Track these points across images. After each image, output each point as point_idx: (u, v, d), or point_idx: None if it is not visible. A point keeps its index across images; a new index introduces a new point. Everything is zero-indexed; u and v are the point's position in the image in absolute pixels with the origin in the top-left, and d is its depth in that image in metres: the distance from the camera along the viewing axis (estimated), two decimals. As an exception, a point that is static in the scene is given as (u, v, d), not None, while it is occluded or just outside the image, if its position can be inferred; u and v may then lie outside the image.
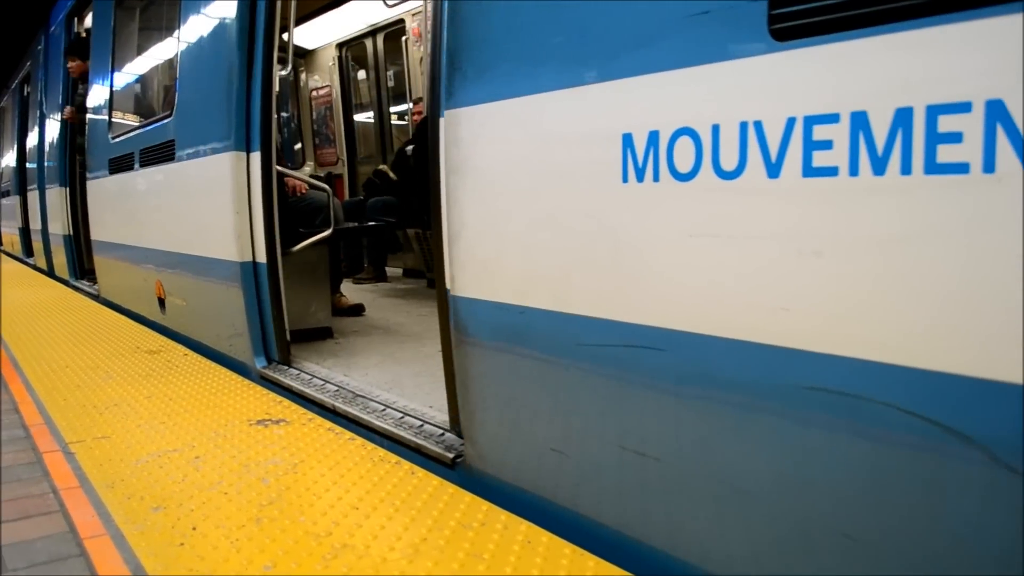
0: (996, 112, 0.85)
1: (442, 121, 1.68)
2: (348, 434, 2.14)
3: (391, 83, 6.35)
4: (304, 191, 3.63)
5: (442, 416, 2.11)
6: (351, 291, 4.89)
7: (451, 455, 1.84)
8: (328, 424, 2.23)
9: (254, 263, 2.79)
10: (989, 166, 0.86)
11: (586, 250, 1.38)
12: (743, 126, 1.10)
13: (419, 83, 5.74)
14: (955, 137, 0.89)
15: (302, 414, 2.34)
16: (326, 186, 3.52)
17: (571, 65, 1.37)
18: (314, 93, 6.92)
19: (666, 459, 1.30)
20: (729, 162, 1.12)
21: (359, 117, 6.66)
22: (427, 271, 5.51)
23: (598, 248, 1.35)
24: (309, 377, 2.66)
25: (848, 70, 0.99)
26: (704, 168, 1.16)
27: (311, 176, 6.64)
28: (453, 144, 1.65)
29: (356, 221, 5.47)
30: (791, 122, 1.05)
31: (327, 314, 3.49)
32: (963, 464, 0.92)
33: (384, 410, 2.23)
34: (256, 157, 2.69)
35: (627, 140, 1.27)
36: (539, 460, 1.58)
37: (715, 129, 1.14)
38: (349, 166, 6.60)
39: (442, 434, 1.98)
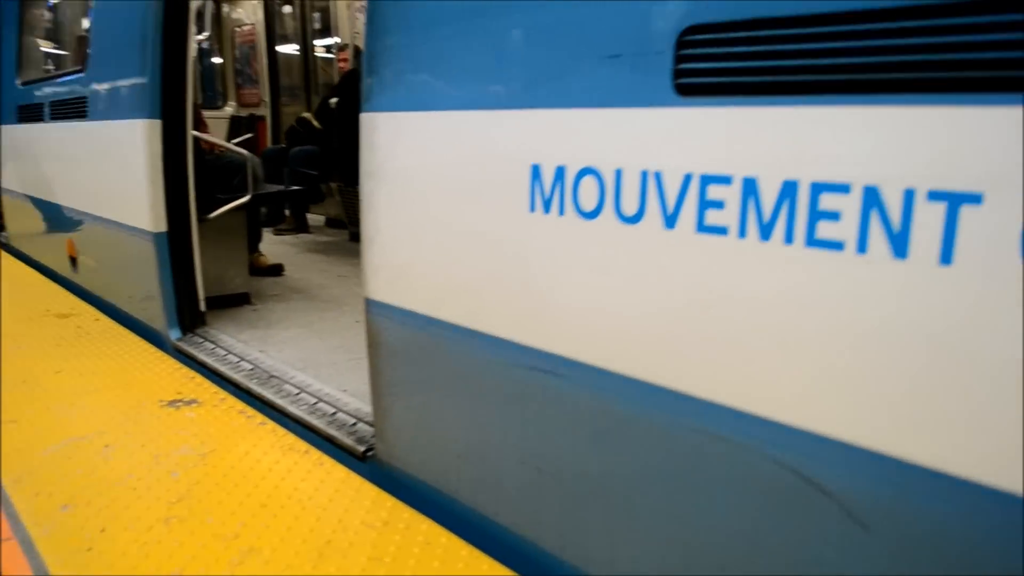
0: (872, 197, 0.90)
1: (362, 120, 1.66)
2: (260, 417, 2.15)
3: (317, 24, 6.18)
4: (222, 150, 3.54)
5: (356, 403, 2.14)
6: (272, 242, 4.82)
7: (362, 448, 1.88)
8: (240, 406, 2.23)
9: (168, 232, 2.74)
10: (862, 247, 0.91)
11: (497, 272, 1.40)
12: (644, 174, 1.13)
13: (345, 21, 5.62)
14: (834, 215, 0.94)
15: (214, 393, 2.33)
16: (244, 151, 3.43)
17: (487, 88, 1.37)
18: (237, 30, 6.68)
19: (561, 477, 1.35)
20: (630, 207, 1.15)
21: (284, 49, 6.46)
22: (348, 223, 5.45)
23: (508, 271, 1.38)
24: (224, 353, 2.65)
25: (744, 135, 1.02)
26: (607, 209, 1.19)
27: (232, 117, 6.48)
28: (369, 148, 1.64)
29: (278, 171, 5.37)
30: (688, 177, 1.08)
31: (245, 279, 3.44)
32: (817, 510, 1.00)
33: (298, 394, 2.24)
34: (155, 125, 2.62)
35: (535, 171, 1.29)
36: (444, 463, 1.62)
37: (618, 173, 1.17)
38: (273, 109, 6.42)
39: (354, 424, 2.01)
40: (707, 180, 1.06)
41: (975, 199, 0.82)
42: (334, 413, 2.09)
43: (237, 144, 3.80)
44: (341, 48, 5.43)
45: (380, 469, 1.81)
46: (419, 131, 1.52)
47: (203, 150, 3.34)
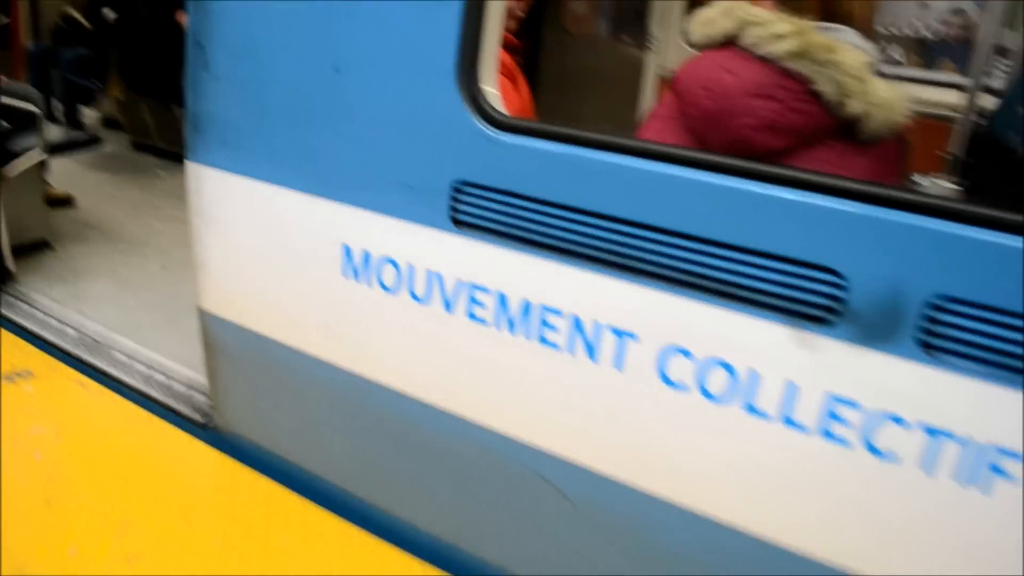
0: (577, 322, 1.45)
1: (188, 167, 1.97)
2: (96, 387, 2.46)
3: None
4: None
5: (186, 372, 2.51)
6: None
7: (200, 417, 2.28)
8: (75, 375, 2.51)
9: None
10: (571, 349, 1.48)
11: (318, 313, 1.84)
12: (429, 273, 1.62)
13: None
14: (553, 327, 1.49)
15: (45, 362, 2.58)
16: (32, 107, 3.44)
17: (307, 176, 1.75)
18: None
19: (372, 454, 1.89)
20: (420, 292, 1.64)
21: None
22: (132, 132, 5.39)
23: (328, 314, 1.83)
24: (43, 315, 2.87)
25: (496, 262, 1.53)
26: (403, 289, 1.67)
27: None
28: (196, 192, 1.96)
29: (45, 74, 5.19)
30: (460, 283, 1.58)
31: (43, 223, 3.53)
32: (545, 493, 1.60)
33: (130, 362, 2.57)
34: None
35: (347, 249, 1.73)
36: (279, 435, 2.08)
37: (410, 267, 1.64)
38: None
39: (191, 393, 2.40)
40: (473, 286, 1.57)
41: (632, 335, 1.40)
42: (169, 383, 2.46)
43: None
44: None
45: (220, 436, 2.24)
46: (245, 193, 1.87)
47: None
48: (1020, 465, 1.14)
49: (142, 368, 2.55)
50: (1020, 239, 1.08)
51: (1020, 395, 1.12)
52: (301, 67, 1.66)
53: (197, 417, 2.29)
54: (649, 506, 1.47)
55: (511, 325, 1.53)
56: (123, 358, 2.60)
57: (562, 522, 1.60)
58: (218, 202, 1.92)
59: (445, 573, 1.79)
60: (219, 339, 2.09)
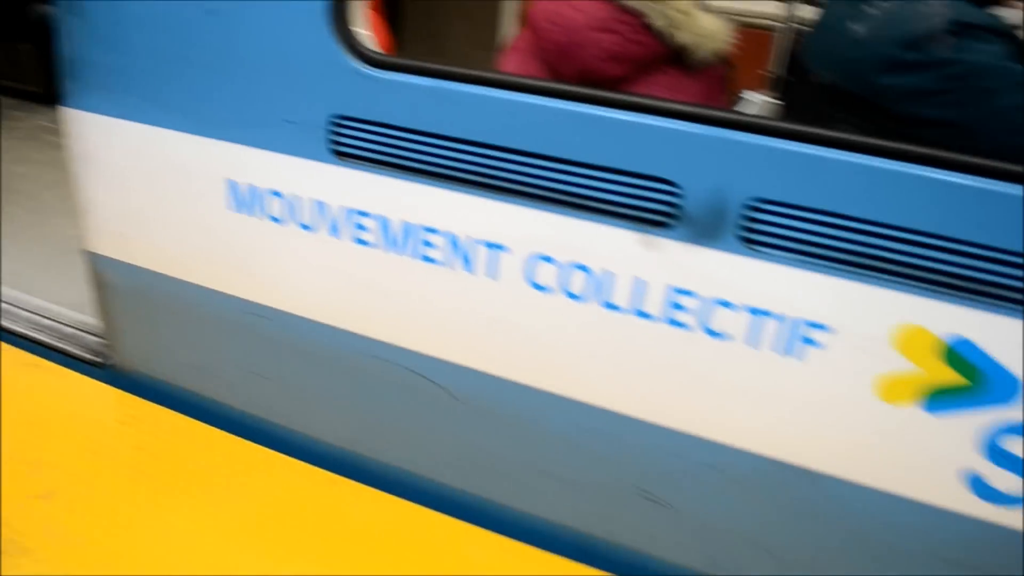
0: (454, 239, 1.62)
1: (65, 113, 1.99)
2: None
3: None
4: None
5: (74, 315, 2.54)
6: None
7: (94, 357, 2.34)
8: (-44, 326, 2.52)
9: None
10: (449, 264, 1.65)
11: (208, 246, 1.93)
12: (314, 202, 1.74)
13: None
14: (431, 244, 1.65)
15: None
16: None
17: (189, 116, 1.81)
18: None
19: (273, 379, 2.02)
20: (307, 221, 1.76)
21: None
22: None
23: (218, 247, 1.92)
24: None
25: (377, 189, 1.67)
26: (290, 219, 1.79)
27: None
28: (77, 137, 1.99)
29: None
30: (344, 210, 1.71)
31: None
32: (434, 392, 1.79)
33: (14, 309, 2.58)
34: None
35: (233, 184, 1.82)
36: (178, 369, 2.19)
37: (296, 198, 1.75)
38: None
39: (81, 335, 2.45)
40: (353, 212, 1.70)
41: (503, 248, 1.57)
42: (57, 326, 2.49)
43: None
44: None
45: (117, 374, 2.32)
46: (128, 137, 1.91)
47: None
48: (826, 334, 1.39)
49: (26, 314, 2.56)
50: (817, 148, 1.30)
51: (821, 276, 1.35)
52: (175, 10, 1.72)
53: (91, 357, 2.35)
54: (527, 397, 1.67)
55: (394, 245, 1.68)
56: (7, 306, 2.60)
57: (452, 419, 1.79)
58: (101, 147, 1.96)
59: (347, 479, 1.96)
60: (110, 279, 2.15)
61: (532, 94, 1.46)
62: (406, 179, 1.61)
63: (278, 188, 1.76)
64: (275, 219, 1.80)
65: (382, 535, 1.83)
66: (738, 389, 1.49)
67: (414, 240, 1.65)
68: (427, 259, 1.65)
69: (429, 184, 1.59)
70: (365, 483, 1.94)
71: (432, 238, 1.63)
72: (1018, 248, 1.25)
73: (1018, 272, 1.26)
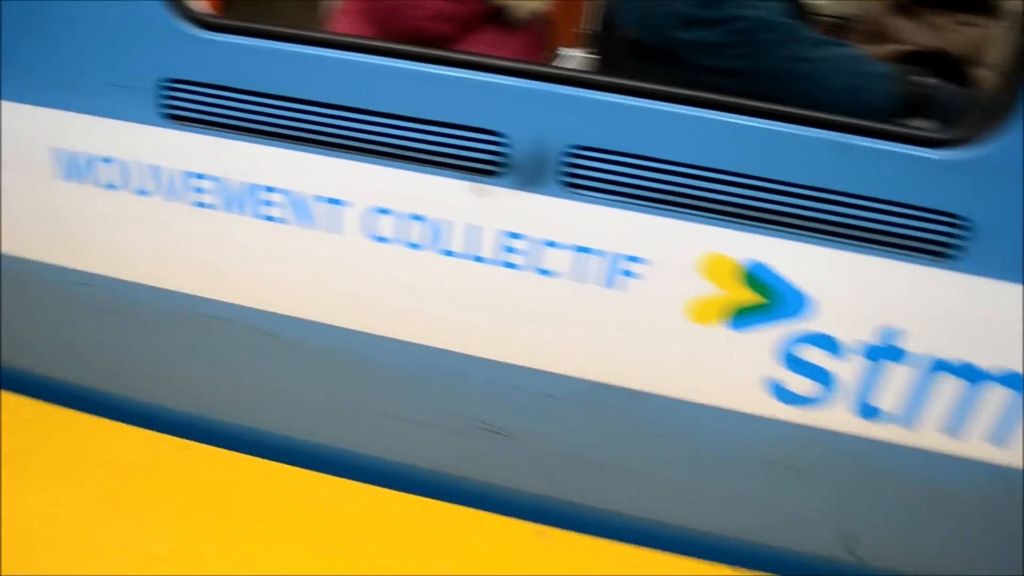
0: (295, 197, 1.67)
1: None
2: None
3: None
4: None
5: None
6: None
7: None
8: None
9: None
10: (286, 221, 1.69)
11: (39, 218, 1.88)
12: (148, 167, 1.73)
13: None
14: (270, 203, 1.69)
15: None
16: None
17: (10, 82, 1.74)
18: None
19: (118, 350, 2.00)
20: (142, 186, 1.76)
21: None
22: None
23: (48, 219, 1.87)
24: None
25: (213, 151, 1.68)
26: (125, 185, 1.77)
27: None
28: None
29: None
30: (179, 173, 1.72)
31: None
32: (278, 347, 1.84)
33: None
34: None
35: (60, 152, 1.78)
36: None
37: (130, 163, 1.74)
38: None
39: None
40: (194, 176, 1.71)
41: (343, 203, 1.64)
42: None
43: None
44: None
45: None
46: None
47: None
48: (642, 266, 1.55)
49: None
50: (627, 98, 1.44)
51: (635, 214, 1.51)
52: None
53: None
54: (375, 344, 1.76)
55: (233, 206, 1.71)
56: None
57: (300, 373, 1.85)
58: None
59: (198, 443, 1.97)
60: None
61: (363, 53, 1.53)
62: (242, 140, 1.63)
63: (110, 154, 1.74)
64: (109, 186, 1.78)
65: (239, 495, 1.87)
66: (568, 321, 1.63)
67: (253, 200, 1.69)
68: (268, 218, 1.69)
69: (266, 144, 1.62)
70: (217, 445, 1.97)
71: (272, 197, 1.67)
72: (799, 180, 1.44)
73: (799, 201, 1.45)
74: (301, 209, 1.67)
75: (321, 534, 1.75)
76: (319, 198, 1.64)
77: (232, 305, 1.82)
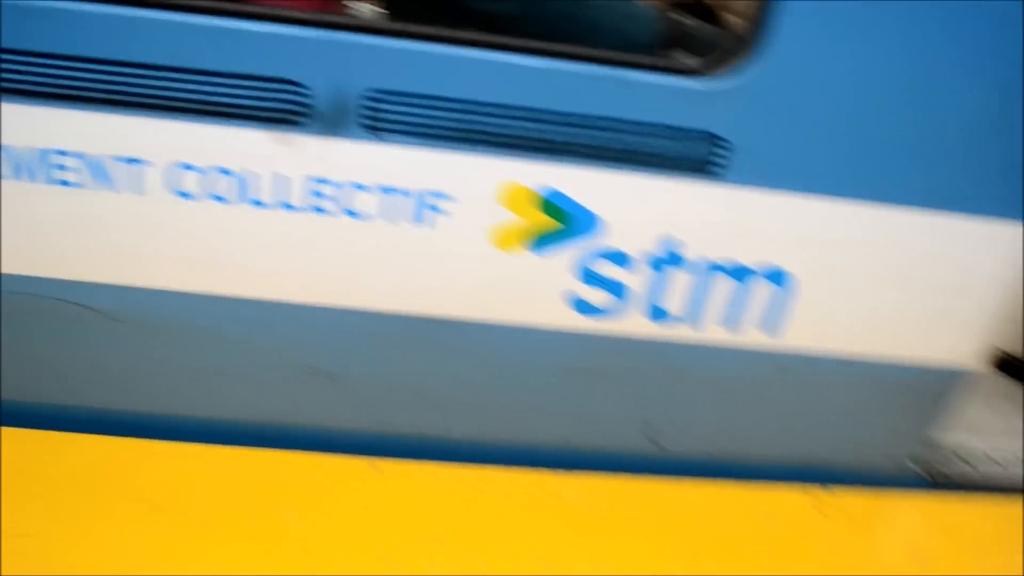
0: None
1: None
2: None
3: None
4: None
5: None
6: None
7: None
8: None
9: None
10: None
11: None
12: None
13: None
14: (65, 167, 1.64)
15: None
16: None
17: None
18: None
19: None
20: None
21: None
22: None
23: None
24: None
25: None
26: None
27: None
28: None
29: None
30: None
31: None
32: (84, 319, 1.80)
33: None
34: None
35: None
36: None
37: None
38: None
39: None
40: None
41: (143, 162, 1.62)
42: None
43: None
44: None
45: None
46: None
47: None
48: (446, 201, 1.66)
49: None
50: (418, 44, 1.54)
51: (435, 152, 1.62)
52: None
53: None
54: (191, 304, 1.76)
55: (23, 173, 1.63)
56: None
57: (116, 341, 1.82)
58: None
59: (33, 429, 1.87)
60: None
61: (162, 9, 1.51)
62: (27, 103, 1.58)
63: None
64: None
65: (83, 474, 1.78)
66: (382, 260, 1.72)
67: (45, 165, 1.63)
68: (63, 183, 1.64)
69: (55, 106, 1.57)
70: (51, 429, 1.89)
71: (65, 160, 1.62)
72: (582, 111, 1.59)
73: (583, 131, 1.61)
74: (98, 172, 1.63)
75: (160, 500, 1.74)
76: (117, 159, 1.62)
77: (36, 278, 1.75)
